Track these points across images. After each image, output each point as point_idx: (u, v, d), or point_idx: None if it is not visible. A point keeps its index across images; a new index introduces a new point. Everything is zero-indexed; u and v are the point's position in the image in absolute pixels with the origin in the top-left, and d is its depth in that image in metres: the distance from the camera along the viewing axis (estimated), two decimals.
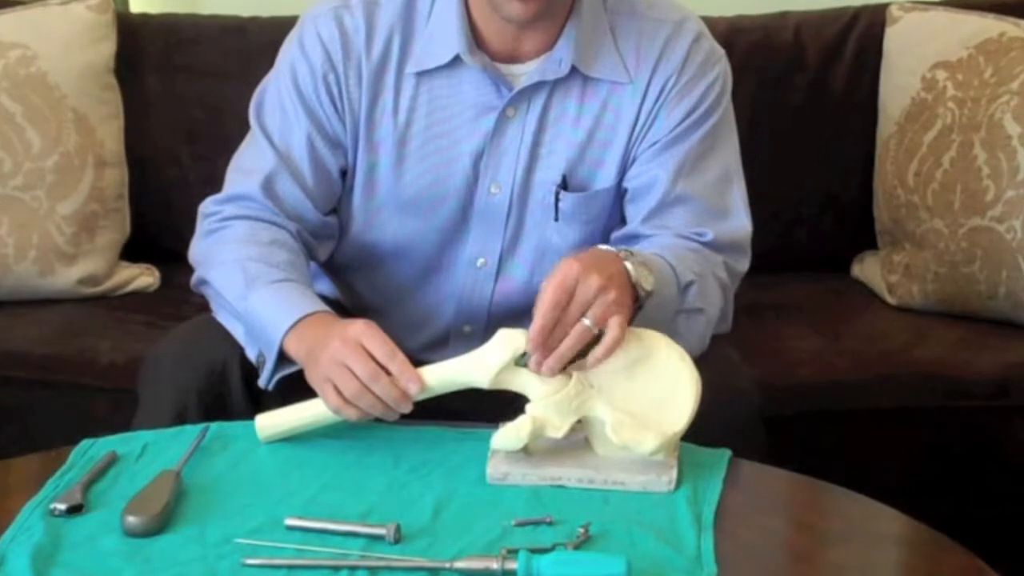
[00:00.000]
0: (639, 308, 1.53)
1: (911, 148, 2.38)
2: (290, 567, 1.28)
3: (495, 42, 1.71)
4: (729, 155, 1.79)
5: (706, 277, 1.68)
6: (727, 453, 1.50)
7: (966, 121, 2.32)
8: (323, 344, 1.50)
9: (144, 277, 2.46)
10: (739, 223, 1.77)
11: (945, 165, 2.33)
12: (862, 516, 1.43)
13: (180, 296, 2.36)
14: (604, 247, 1.56)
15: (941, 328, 2.31)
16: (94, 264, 2.40)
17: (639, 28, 1.74)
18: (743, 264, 1.78)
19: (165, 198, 2.50)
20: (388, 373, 1.47)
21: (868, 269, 2.49)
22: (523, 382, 1.46)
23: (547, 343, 1.45)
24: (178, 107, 2.52)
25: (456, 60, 1.71)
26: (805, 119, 2.52)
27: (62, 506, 1.37)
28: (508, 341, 1.46)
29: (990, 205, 2.29)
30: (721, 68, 1.78)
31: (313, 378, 1.51)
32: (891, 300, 2.40)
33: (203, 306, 1.81)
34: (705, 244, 1.72)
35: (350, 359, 1.47)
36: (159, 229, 2.49)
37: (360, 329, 1.49)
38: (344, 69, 1.73)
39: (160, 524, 1.34)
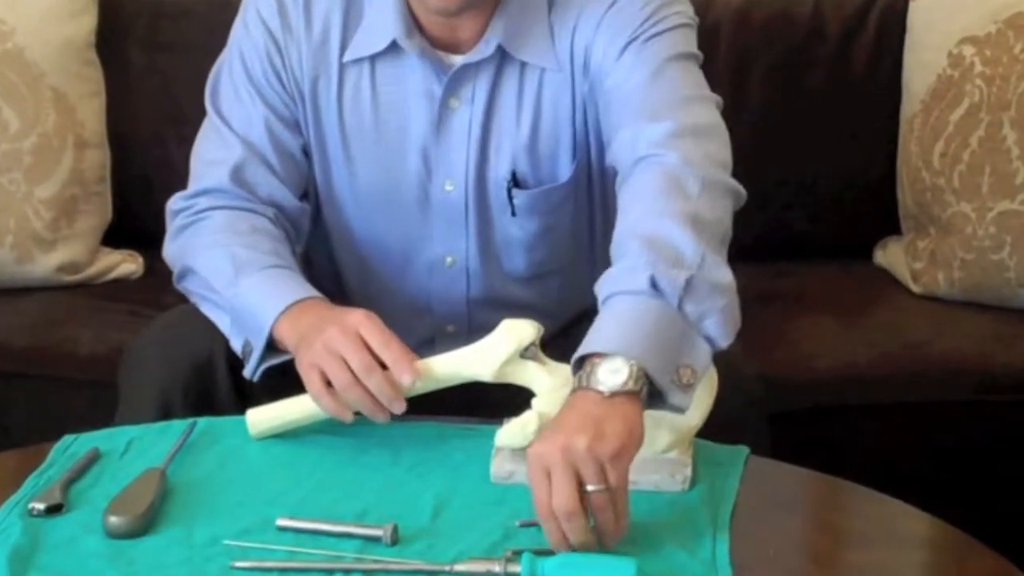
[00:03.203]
0: (648, 395, 1.34)
1: (937, 128, 2.37)
2: (281, 570, 1.28)
3: (432, 28, 1.72)
4: (654, 64, 1.66)
5: (688, 249, 1.42)
6: (744, 450, 1.50)
7: (995, 99, 2.32)
8: (319, 330, 1.50)
9: (127, 264, 2.46)
10: (704, 113, 1.63)
11: (973, 145, 2.33)
12: (884, 516, 1.43)
13: (165, 283, 2.34)
14: (570, 385, 1.35)
15: (968, 318, 2.31)
16: (74, 250, 2.39)
17: (579, 4, 1.71)
18: (724, 153, 1.59)
19: (149, 181, 2.49)
20: (384, 368, 1.46)
21: (891, 255, 2.49)
22: (529, 375, 1.46)
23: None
24: (163, 85, 2.51)
25: (395, 46, 1.72)
26: (824, 98, 2.51)
27: (41, 505, 1.36)
28: (513, 332, 1.46)
29: (1020, 188, 2.29)
30: (653, 6, 1.68)
31: (302, 364, 1.51)
32: (915, 288, 2.40)
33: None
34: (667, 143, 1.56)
35: (346, 348, 1.46)
36: (142, 213, 2.48)
37: (360, 318, 1.49)
38: (285, 44, 1.76)
39: (144, 525, 1.33)
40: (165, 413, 1.61)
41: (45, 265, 2.37)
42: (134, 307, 2.29)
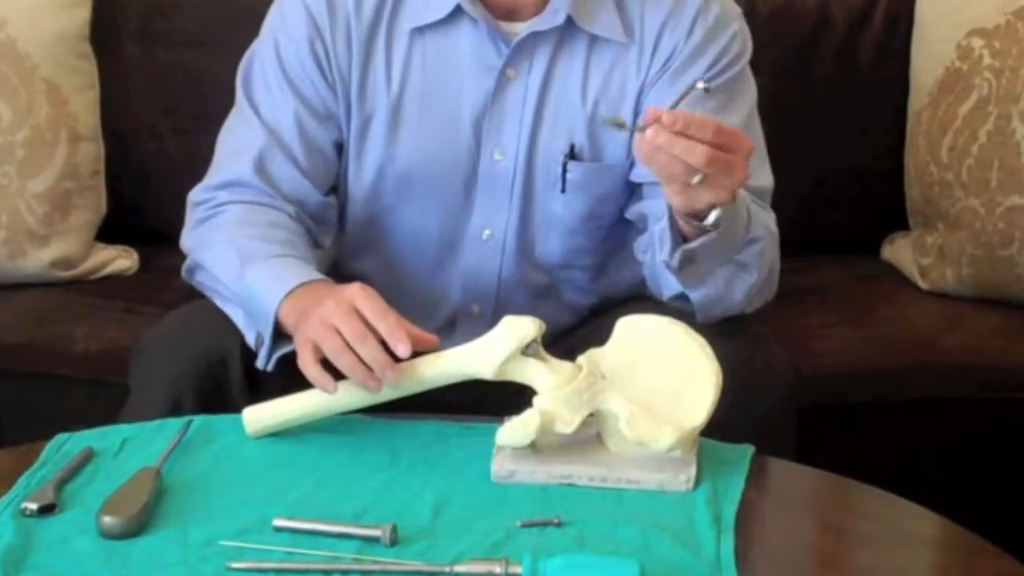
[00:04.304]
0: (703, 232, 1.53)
1: (945, 121, 2.37)
2: (278, 571, 1.28)
3: None
4: (745, 113, 1.78)
5: (766, 242, 1.67)
6: (750, 449, 1.50)
7: (1004, 92, 2.32)
8: (316, 306, 1.50)
9: (121, 259, 2.45)
10: (768, 176, 1.79)
11: (981, 139, 2.33)
12: (892, 516, 1.43)
13: (160, 280, 2.36)
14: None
15: (976, 314, 2.31)
16: (68, 246, 2.39)
17: None
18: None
19: (144, 175, 2.50)
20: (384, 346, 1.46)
21: (899, 251, 2.48)
22: (530, 373, 1.46)
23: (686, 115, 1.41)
24: (158, 77, 2.51)
25: (455, 14, 1.72)
26: (831, 91, 2.51)
27: (34, 505, 1.36)
28: (514, 329, 1.46)
29: None
30: (736, 28, 1.78)
31: (297, 339, 1.52)
32: (923, 284, 2.40)
33: (186, 290, 1.80)
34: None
35: (339, 319, 1.47)
36: (137, 208, 2.49)
37: (355, 291, 1.49)
38: (331, 34, 1.74)
39: (139, 525, 1.33)
40: (175, 409, 1.61)
41: (38, 261, 2.37)
42: (129, 304, 2.29)
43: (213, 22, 2.49)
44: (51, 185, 2.37)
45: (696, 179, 1.43)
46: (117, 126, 2.48)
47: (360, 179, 1.79)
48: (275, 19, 1.78)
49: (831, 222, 2.54)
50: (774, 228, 1.72)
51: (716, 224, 1.52)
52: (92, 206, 2.44)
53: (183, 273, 1.76)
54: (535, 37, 1.73)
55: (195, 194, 1.79)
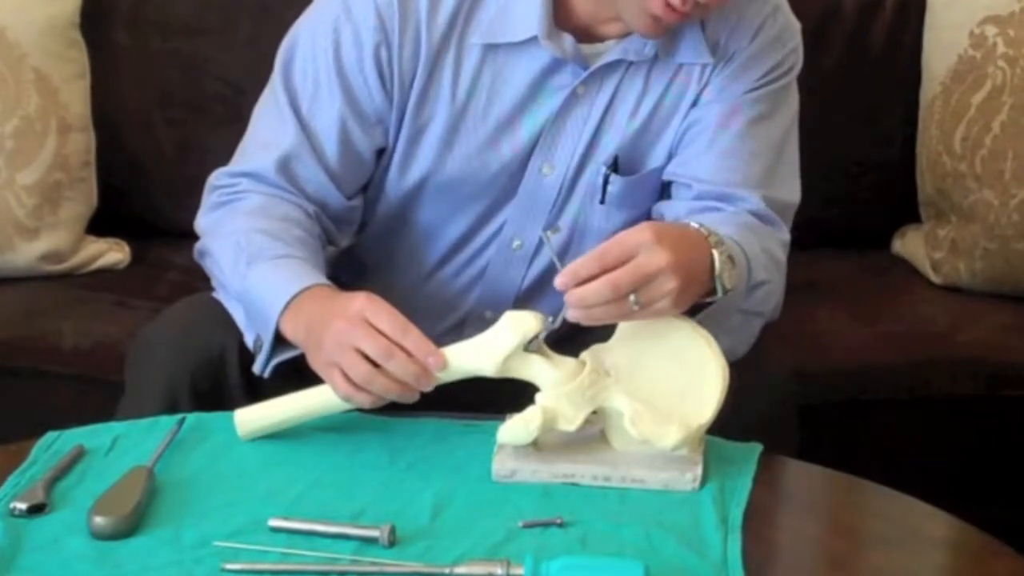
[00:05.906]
0: (707, 304, 1.52)
1: (958, 111, 2.37)
2: (274, 572, 1.28)
3: (582, 16, 1.70)
4: (786, 124, 1.81)
5: (774, 281, 1.68)
6: (758, 447, 1.50)
7: (1018, 81, 2.32)
8: (324, 324, 1.49)
9: (113, 253, 2.45)
10: (796, 192, 1.83)
11: (995, 130, 2.33)
12: (903, 516, 1.43)
13: (152, 273, 2.36)
14: (694, 225, 1.52)
15: (990, 310, 2.31)
16: (58, 239, 2.39)
17: (738, 8, 1.74)
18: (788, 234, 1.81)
19: (136, 166, 2.49)
20: (402, 349, 1.45)
21: (910, 245, 2.48)
22: (533, 369, 1.46)
23: (576, 292, 1.42)
24: (150, 67, 2.51)
25: (531, 39, 1.69)
26: (841, 79, 2.51)
27: (23, 505, 1.36)
28: (517, 324, 1.46)
29: None
30: (795, 43, 1.80)
31: (317, 364, 1.50)
32: (935, 279, 2.40)
33: (179, 284, 1.81)
34: (758, 214, 1.73)
35: (357, 338, 1.45)
36: (129, 201, 2.49)
37: (363, 304, 1.48)
38: (400, 40, 1.69)
39: (131, 525, 1.33)
40: (172, 407, 1.60)
41: (27, 254, 2.37)
42: (120, 298, 2.29)
43: (207, 10, 2.49)
44: (41, 177, 2.37)
45: (632, 300, 1.42)
46: (108, 116, 2.48)
47: (400, 184, 1.77)
48: (336, 8, 1.72)
49: (841, 214, 2.54)
50: (781, 255, 1.73)
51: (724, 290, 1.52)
52: (83, 198, 2.44)
53: (194, 253, 1.75)
54: (616, 61, 1.72)
55: (216, 176, 1.76)
